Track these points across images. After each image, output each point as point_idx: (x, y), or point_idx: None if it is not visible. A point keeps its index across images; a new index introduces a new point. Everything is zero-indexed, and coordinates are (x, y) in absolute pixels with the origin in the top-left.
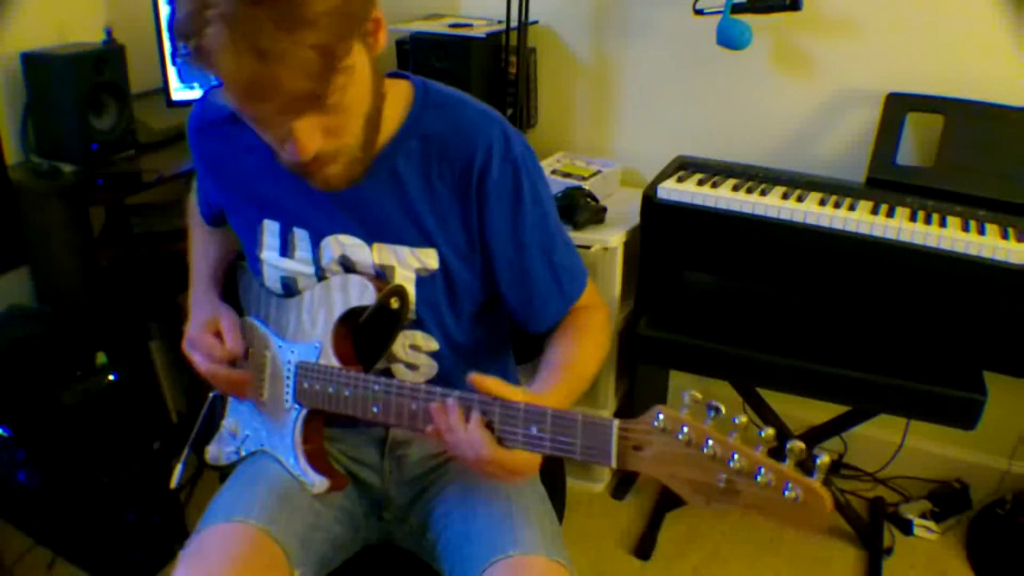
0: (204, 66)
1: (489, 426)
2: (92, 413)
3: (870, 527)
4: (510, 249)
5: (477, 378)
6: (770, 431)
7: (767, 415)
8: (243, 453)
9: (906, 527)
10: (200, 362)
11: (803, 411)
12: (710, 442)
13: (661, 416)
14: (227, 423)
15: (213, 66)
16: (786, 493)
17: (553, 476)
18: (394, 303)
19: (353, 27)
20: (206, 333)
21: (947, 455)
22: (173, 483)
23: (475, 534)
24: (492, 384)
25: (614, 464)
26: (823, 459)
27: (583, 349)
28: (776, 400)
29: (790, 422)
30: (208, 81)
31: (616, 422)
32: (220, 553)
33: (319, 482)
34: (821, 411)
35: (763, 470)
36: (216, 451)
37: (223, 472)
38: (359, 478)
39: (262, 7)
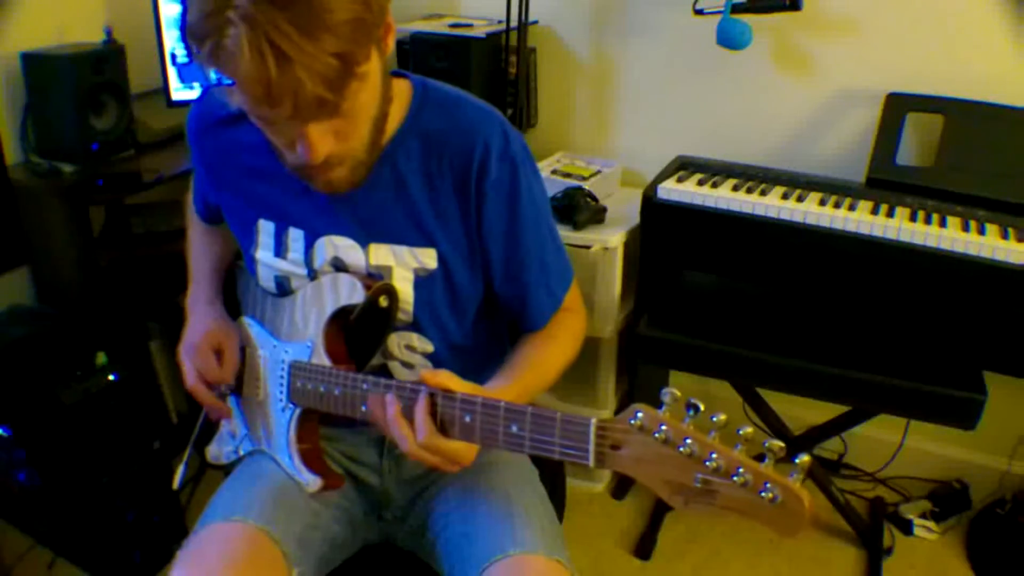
0: (219, 67)
1: (433, 415)
2: (92, 413)
3: (870, 527)
4: (506, 246)
5: (426, 374)
6: (749, 430)
7: (767, 415)
8: (241, 452)
9: (906, 527)
10: (190, 376)
11: (803, 411)
12: (688, 441)
13: (639, 414)
14: (226, 423)
15: (230, 68)
16: (763, 494)
17: (553, 476)
18: (383, 301)
19: (371, 33)
20: (206, 350)
21: (947, 455)
22: (176, 484)
23: (475, 534)
24: (444, 379)
25: (592, 463)
26: (803, 458)
27: (550, 353)
28: (776, 400)
29: (790, 422)
30: (209, 80)
31: (594, 421)
32: (218, 553)
33: (313, 481)
34: (821, 411)
35: (741, 470)
36: (216, 450)
37: (225, 471)
38: (358, 478)
39: (286, 11)
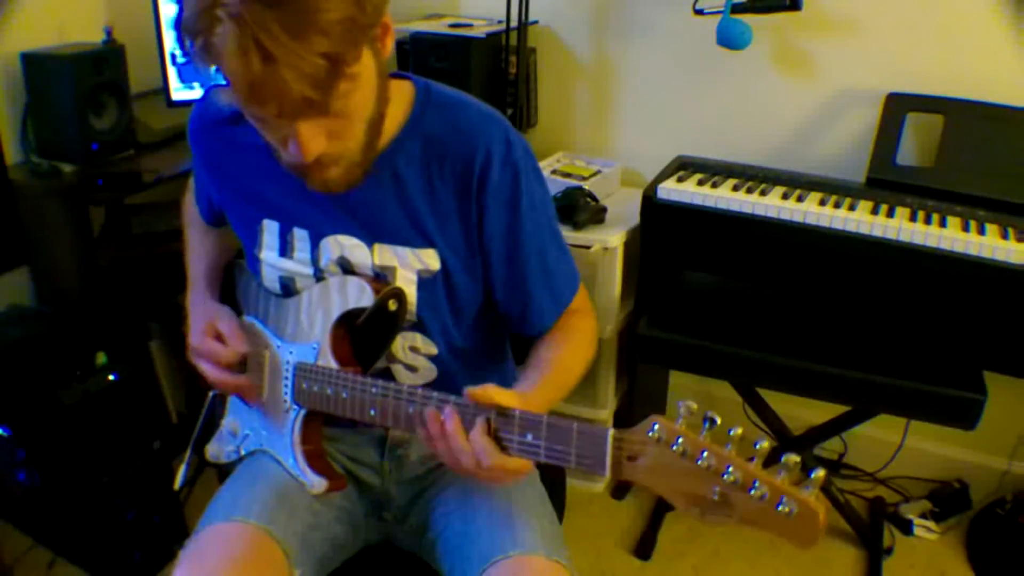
0: (210, 64)
1: (492, 433)
2: (92, 413)
3: (870, 527)
4: (507, 252)
5: (472, 391)
6: (765, 444)
7: (767, 415)
8: (243, 452)
9: (906, 527)
10: (208, 371)
11: (803, 411)
12: (705, 454)
13: (656, 426)
14: (227, 422)
15: (219, 64)
16: (780, 507)
17: (553, 476)
18: (392, 305)
19: (363, 34)
20: (207, 339)
21: (947, 455)
22: (177, 484)
23: (475, 534)
24: (492, 393)
25: (608, 474)
26: (818, 473)
27: (569, 352)
28: (776, 400)
29: (790, 422)
30: (209, 80)
31: (611, 431)
32: (220, 553)
33: (317, 483)
34: (821, 411)
35: (757, 483)
36: (216, 449)
37: (223, 471)
38: (359, 478)
39: (274, 10)
